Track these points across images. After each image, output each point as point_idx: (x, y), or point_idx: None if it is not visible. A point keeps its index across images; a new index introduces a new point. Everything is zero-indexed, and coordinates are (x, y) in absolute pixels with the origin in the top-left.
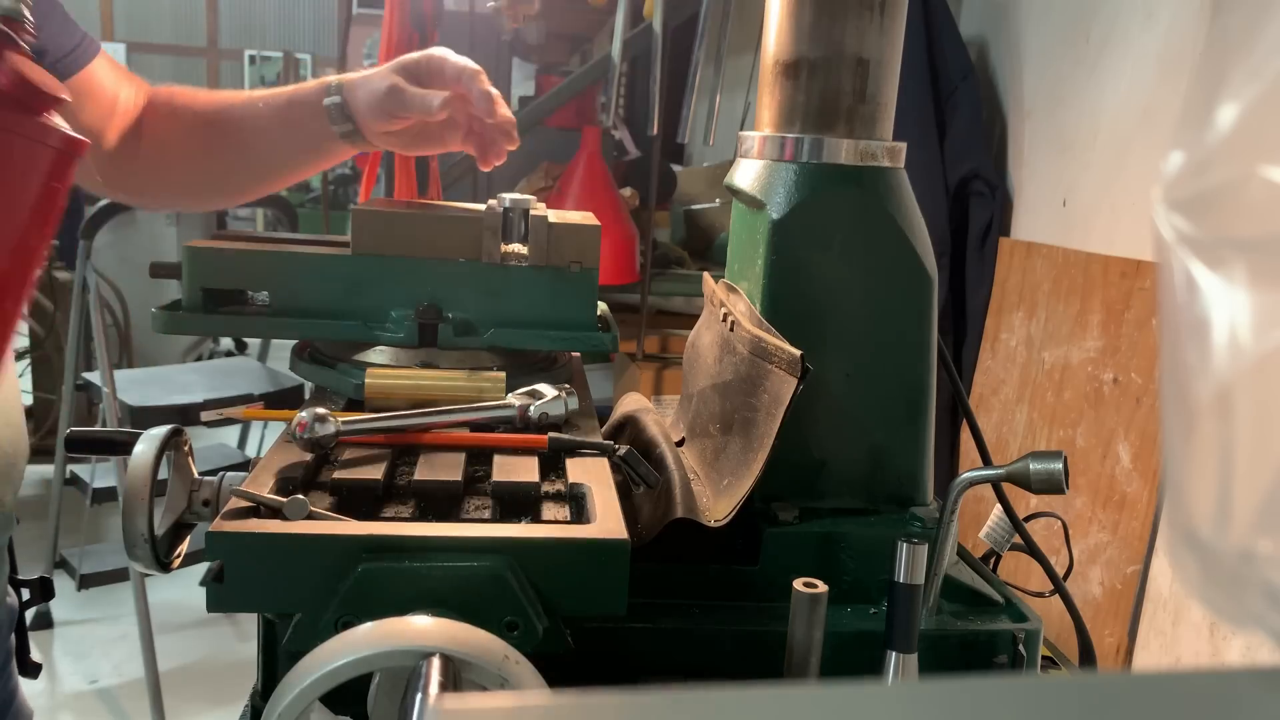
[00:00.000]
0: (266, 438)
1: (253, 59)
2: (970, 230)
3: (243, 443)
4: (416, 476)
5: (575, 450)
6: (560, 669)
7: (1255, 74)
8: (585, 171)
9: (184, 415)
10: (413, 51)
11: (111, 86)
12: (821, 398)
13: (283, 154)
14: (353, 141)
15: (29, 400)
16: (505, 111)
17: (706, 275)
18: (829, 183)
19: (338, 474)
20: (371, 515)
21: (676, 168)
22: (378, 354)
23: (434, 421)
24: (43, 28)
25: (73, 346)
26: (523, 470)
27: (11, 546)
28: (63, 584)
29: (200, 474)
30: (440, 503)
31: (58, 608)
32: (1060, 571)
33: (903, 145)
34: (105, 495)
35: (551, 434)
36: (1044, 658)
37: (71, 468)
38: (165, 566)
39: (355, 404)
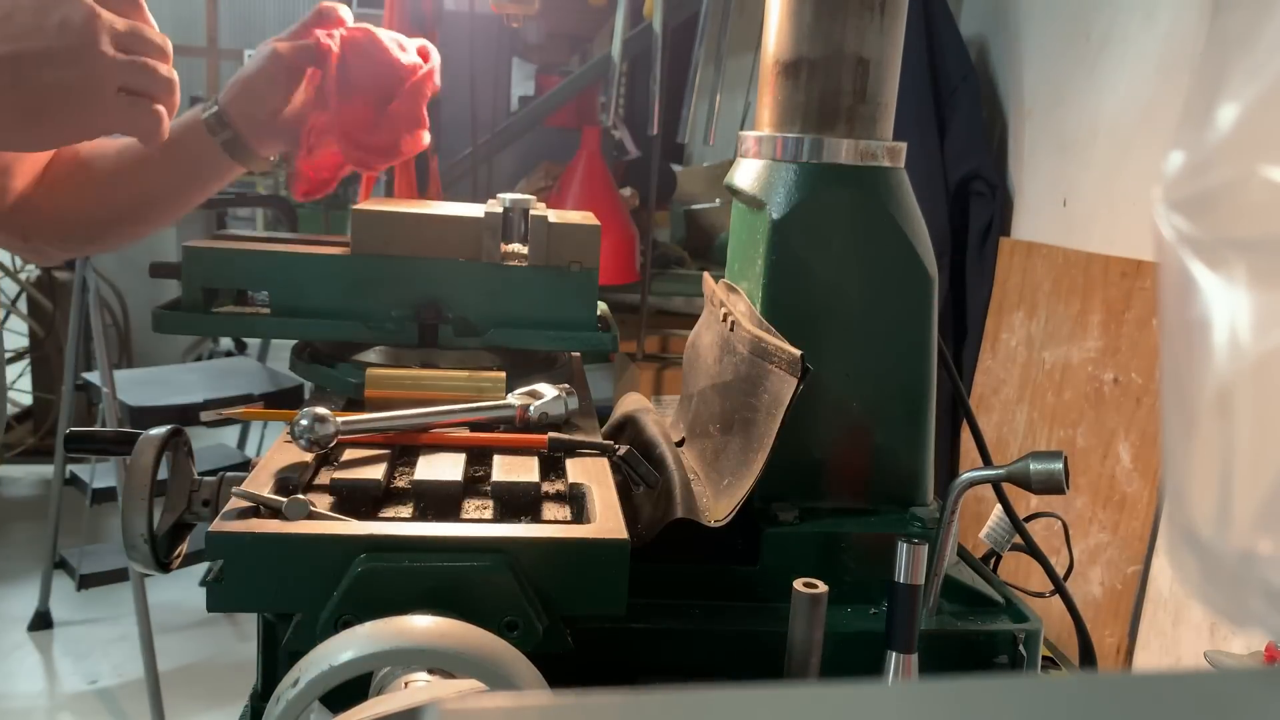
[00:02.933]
0: (266, 438)
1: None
2: (970, 230)
3: (243, 443)
4: (416, 476)
5: (575, 450)
6: (560, 669)
7: (1255, 74)
8: (585, 171)
9: (184, 415)
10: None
11: None
12: (821, 398)
13: (166, 180)
14: (235, 153)
15: (29, 400)
16: None
17: (706, 275)
18: (829, 183)
19: (338, 474)
20: (371, 515)
21: (676, 168)
22: (377, 354)
23: (434, 421)
24: None
25: (72, 346)
26: (523, 470)
27: None
28: (62, 584)
29: (200, 474)
30: (440, 503)
31: (57, 608)
32: (1060, 571)
33: (903, 145)
34: (105, 495)
35: (551, 434)
36: (1044, 658)
37: (71, 468)
38: (165, 566)
39: (355, 404)
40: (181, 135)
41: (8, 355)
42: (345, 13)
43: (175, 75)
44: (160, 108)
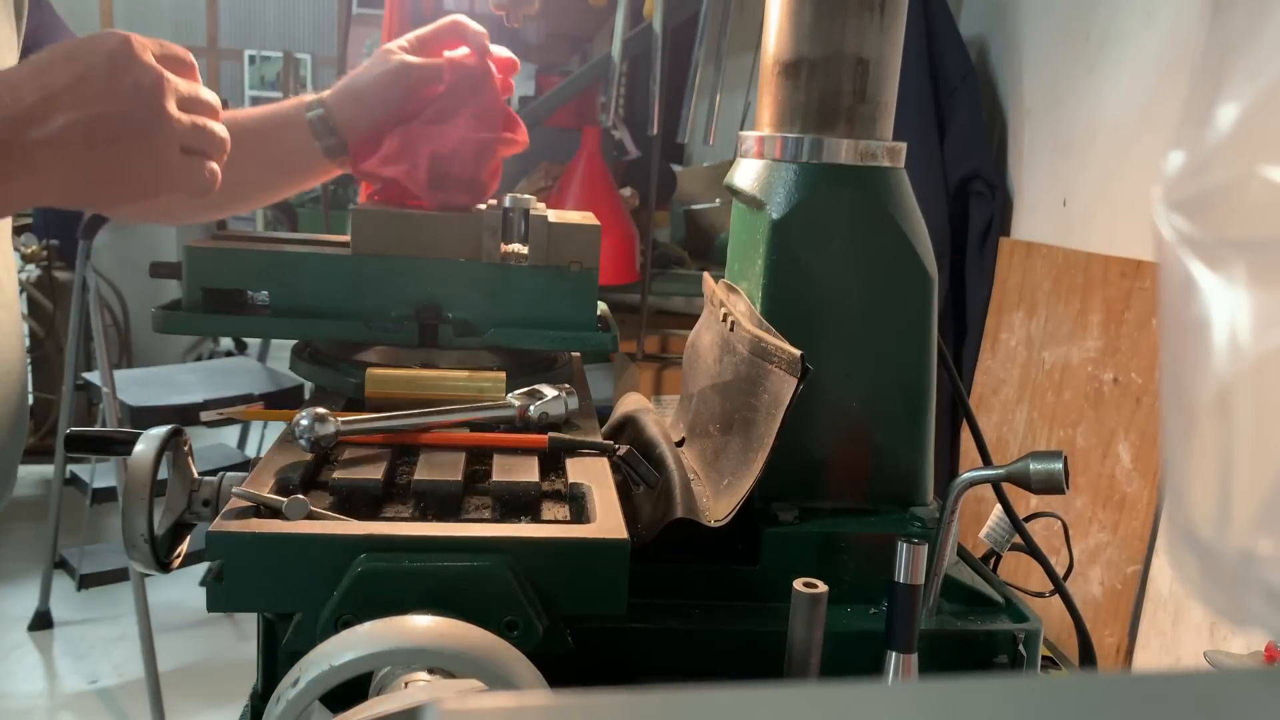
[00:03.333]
0: (266, 438)
1: (252, 59)
2: (970, 230)
3: (243, 443)
4: (416, 476)
5: (575, 450)
6: (560, 669)
7: (1255, 74)
8: (585, 171)
9: (184, 415)
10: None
11: None
12: (821, 398)
13: (259, 171)
14: (335, 157)
15: (29, 400)
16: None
17: (706, 275)
18: (829, 183)
19: (338, 474)
20: (371, 515)
21: (676, 168)
22: (378, 354)
23: (434, 421)
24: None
25: (72, 346)
26: (523, 470)
27: None
28: (63, 584)
29: (200, 474)
30: (440, 503)
31: (58, 608)
32: (1060, 571)
33: (903, 145)
34: (105, 495)
35: (551, 434)
36: (1044, 658)
37: (71, 468)
38: (165, 566)
39: (355, 404)
40: (282, 131)
41: None
42: (479, 32)
43: (226, 133)
44: (215, 165)
